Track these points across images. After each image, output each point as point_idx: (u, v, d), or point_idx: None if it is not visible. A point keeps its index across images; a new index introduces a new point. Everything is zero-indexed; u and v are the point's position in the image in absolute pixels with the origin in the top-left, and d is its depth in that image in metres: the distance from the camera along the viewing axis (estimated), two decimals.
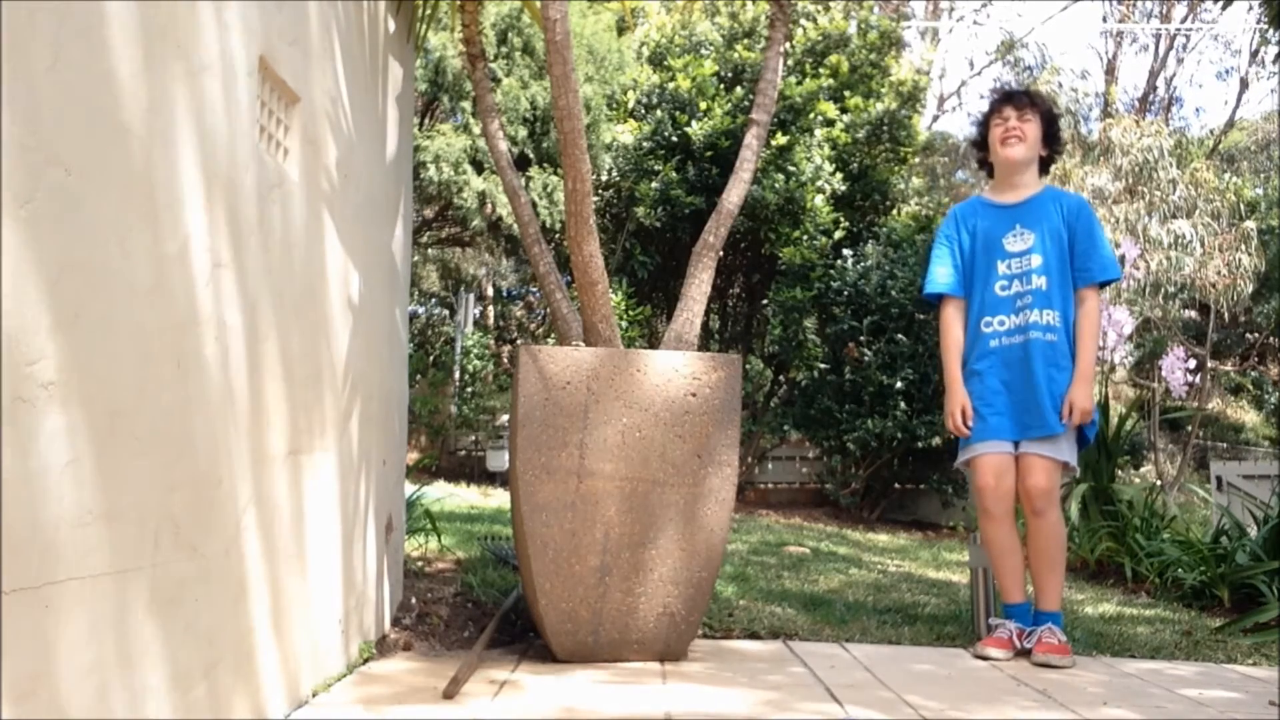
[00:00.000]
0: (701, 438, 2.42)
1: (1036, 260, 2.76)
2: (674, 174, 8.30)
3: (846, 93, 8.96)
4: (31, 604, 1.07)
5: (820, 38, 9.15)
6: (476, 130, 7.63)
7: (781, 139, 8.31)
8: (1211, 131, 18.29)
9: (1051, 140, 2.88)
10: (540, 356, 2.38)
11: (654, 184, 8.28)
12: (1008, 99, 2.87)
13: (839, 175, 8.63)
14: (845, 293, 7.91)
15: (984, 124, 2.91)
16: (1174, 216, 9.73)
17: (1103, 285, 2.80)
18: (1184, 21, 18.33)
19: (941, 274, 2.89)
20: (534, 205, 7.62)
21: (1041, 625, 2.67)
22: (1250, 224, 9.93)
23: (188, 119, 1.42)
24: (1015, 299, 2.77)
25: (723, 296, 9.56)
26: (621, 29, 8.71)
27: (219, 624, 1.53)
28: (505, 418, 9.13)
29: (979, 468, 2.76)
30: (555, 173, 7.86)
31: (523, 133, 7.75)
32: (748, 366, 9.22)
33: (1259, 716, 2.14)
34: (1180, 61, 19.24)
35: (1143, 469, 10.12)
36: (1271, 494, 4.45)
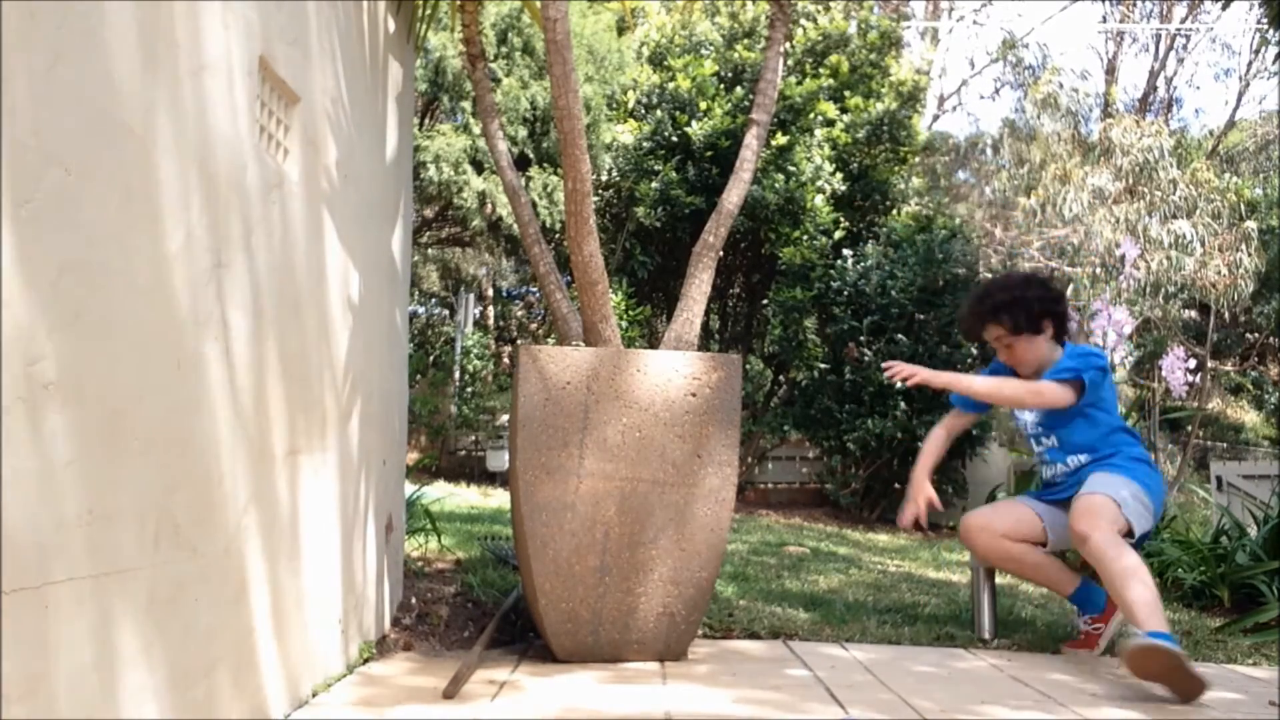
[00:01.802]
0: (701, 438, 2.42)
1: (1051, 440, 2.84)
2: (674, 174, 8.29)
3: (846, 93, 8.96)
4: (31, 604, 1.07)
5: (820, 38, 9.16)
6: (476, 130, 7.63)
7: (781, 139, 8.31)
8: (1211, 132, 18.27)
9: (1045, 319, 2.76)
10: (540, 356, 2.38)
11: (654, 184, 8.28)
12: (985, 319, 2.80)
13: (839, 175, 8.62)
14: (845, 293, 7.91)
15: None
16: (1174, 216, 9.73)
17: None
18: (1184, 22, 18.32)
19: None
20: (534, 205, 7.62)
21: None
22: (1250, 224, 9.93)
23: (188, 119, 1.42)
24: (1044, 467, 2.91)
25: (723, 296, 9.56)
26: (621, 29, 8.71)
27: (219, 624, 1.53)
28: (505, 418, 9.13)
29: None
30: (555, 173, 7.86)
31: (523, 133, 7.75)
32: (748, 366, 9.22)
33: (1259, 716, 2.14)
34: (1180, 62, 19.21)
35: None
36: (1271, 494, 4.44)
